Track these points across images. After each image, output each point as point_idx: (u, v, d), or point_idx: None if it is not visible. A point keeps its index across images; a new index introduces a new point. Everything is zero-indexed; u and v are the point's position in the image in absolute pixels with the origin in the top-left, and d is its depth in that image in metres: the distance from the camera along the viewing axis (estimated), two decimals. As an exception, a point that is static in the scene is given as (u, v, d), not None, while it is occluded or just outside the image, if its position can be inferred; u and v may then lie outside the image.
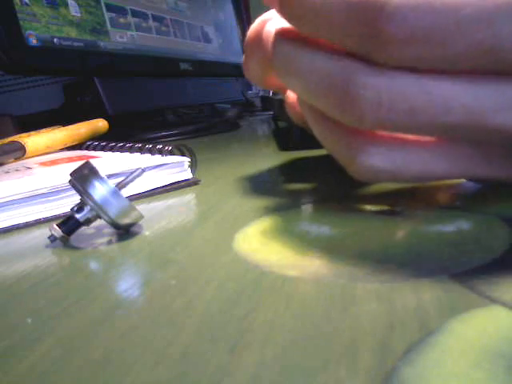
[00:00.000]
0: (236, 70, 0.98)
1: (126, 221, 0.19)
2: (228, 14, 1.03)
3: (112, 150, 0.36)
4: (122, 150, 0.35)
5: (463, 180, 0.22)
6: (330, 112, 0.15)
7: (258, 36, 0.19)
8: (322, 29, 0.14)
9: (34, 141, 0.36)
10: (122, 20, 0.63)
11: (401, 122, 0.14)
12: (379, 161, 0.15)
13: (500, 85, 0.13)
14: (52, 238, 0.19)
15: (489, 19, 0.12)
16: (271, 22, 0.19)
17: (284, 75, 0.16)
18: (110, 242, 0.19)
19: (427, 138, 0.15)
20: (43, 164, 0.31)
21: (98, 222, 0.20)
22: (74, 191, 0.19)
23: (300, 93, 0.16)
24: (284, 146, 0.43)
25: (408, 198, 0.21)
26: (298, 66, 0.15)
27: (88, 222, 0.19)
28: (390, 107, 0.13)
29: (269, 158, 0.37)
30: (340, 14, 0.13)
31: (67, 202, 0.24)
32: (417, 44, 0.13)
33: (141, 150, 0.33)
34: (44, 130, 0.42)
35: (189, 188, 0.29)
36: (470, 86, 0.13)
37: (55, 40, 0.51)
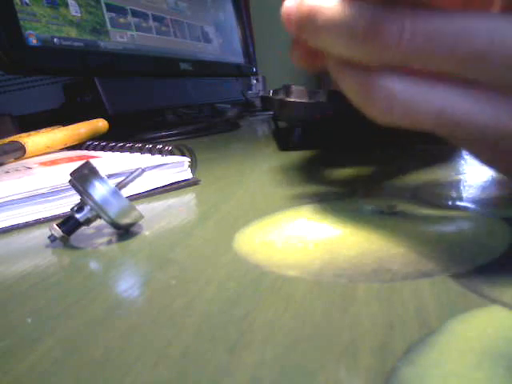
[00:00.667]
0: (236, 70, 0.98)
1: (126, 221, 0.19)
2: (228, 13, 1.03)
3: (112, 149, 0.36)
4: (122, 150, 0.35)
5: (464, 179, 0.21)
6: (350, 51, 0.14)
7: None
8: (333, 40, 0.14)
9: (34, 141, 0.36)
10: (122, 20, 0.63)
11: (425, 50, 0.13)
12: (398, 85, 0.14)
13: None
14: (52, 238, 0.19)
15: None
16: None
17: (313, 32, 0.16)
18: (109, 242, 0.19)
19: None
20: (43, 164, 0.31)
21: (98, 222, 0.20)
22: (74, 191, 0.19)
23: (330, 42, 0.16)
24: (284, 146, 0.43)
25: (408, 198, 0.21)
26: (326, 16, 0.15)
27: (88, 221, 0.19)
28: (413, 31, 0.13)
29: (269, 158, 0.37)
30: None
31: (67, 202, 0.24)
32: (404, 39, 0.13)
33: (141, 150, 0.33)
34: (44, 129, 0.42)
35: (189, 188, 0.29)
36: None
37: (55, 40, 0.51)
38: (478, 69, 0.13)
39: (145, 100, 0.67)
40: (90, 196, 0.18)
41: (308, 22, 0.15)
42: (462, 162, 0.28)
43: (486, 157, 0.16)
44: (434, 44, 0.13)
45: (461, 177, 0.24)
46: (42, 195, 0.24)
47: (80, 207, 0.19)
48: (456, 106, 0.14)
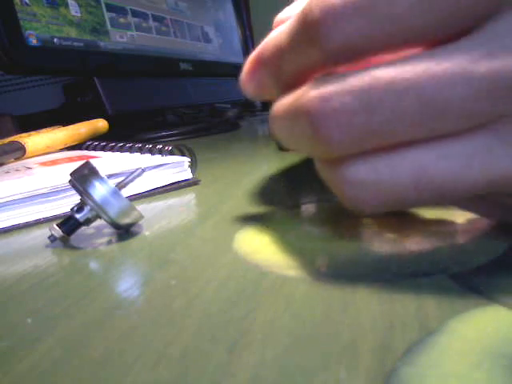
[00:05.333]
0: (236, 70, 0.98)
1: (126, 221, 0.19)
2: (228, 14, 1.03)
3: (112, 150, 0.36)
4: (122, 150, 0.35)
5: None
6: (309, 151, 0.14)
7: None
8: (282, 61, 0.14)
9: (34, 141, 0.36)
10: (122, 20, 0.63)
11: (366, 120, 0.12)
12: (361, 172, 0.13)
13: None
14: (52, 238, 0.19)
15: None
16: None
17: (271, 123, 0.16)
18: (109, 242, 0.19)
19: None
20: (43, 164, 0.31)
21: (98, 222, 0.20)
22: (74, 191, 0.19)
23: (287, 144, 0.16)
24: (284, 146, 0.42)
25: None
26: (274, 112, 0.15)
27: (88, 222, 0.19)
28: (346, 108, 0.12)
29: (269, 158, 0.37)
30: (290, 39, 0.13)
31: (67, 202, 0.24)
32: (343, 19, 0.12)
33: (141, 150, 0.33)
34: (44, 129, 0.42)
35: (189, 188, 0.29)
36: None
37: (55, 40, 0.51)
38: (434, 121, 0.12)
39: (145, 100, 0.67)
40: (89, 196, 0.18)
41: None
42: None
43: (497, 211, 0.15)
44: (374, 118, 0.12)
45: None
46: (42, 195, 0.24)
47: (80, 207, 0.19)
48: (431, 167, 0.12)
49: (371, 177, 0.13)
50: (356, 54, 0.12)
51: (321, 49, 0.12)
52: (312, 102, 0.12)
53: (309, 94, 0.13)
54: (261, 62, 0.16)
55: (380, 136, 0.12)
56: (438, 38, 0.12)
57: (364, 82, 0.12)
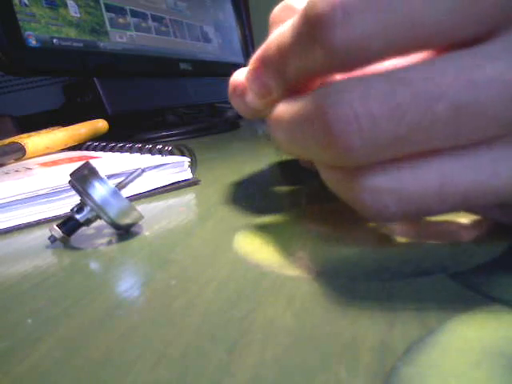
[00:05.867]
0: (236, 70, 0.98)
1: (126, 221, 0.19)
2: (228, 13, 1.03)
3: (112, 150, 0.36)
4: (121, 150, 0.35)
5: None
6: (320, 158, 0.13)
7: None
8: (288, 62, 0.14)
9: (34, 141, 0.36)
10: (121, 20, 0.63)
11: (391, 128, 0.11)
12: (383, 180, 0.12)
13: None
14: (52, 239, 0.19)
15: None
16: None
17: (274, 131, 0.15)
18: (110, 243, 0.19)
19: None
20: (43, 165, 0.31)
21: (98, 223, 0.20)
22: (74, 192, 0.19)
23: (290, 149, 0.15)
24: (284, 151, 0.42)
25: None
26: (280, 119, 0.14)
27: (88, 222, 0.19)
28: (371, 114, 0.11)
29: (269, 158, 0.37)
30: (293, 39, 0.13)
31: (67, 202, 0.24)
32: (353, 15, 0.11)
33: (141, 150, 0.33)
34: (44, 130, 0.42)
35: (189, 188, 0.29)
36: None
37: (55, 40, 0.51)
38: (465, 126, 0.11)
39: (145, 100, 0.67)
40: (89, 196, 0.18)
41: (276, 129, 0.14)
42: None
43: None
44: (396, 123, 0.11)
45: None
46: (42, 196, 0.24)
47: (80, 208, 0.19)
48: (456, 176, 0.12)
49: (393, 185, 0.12)
50: (366, 56, 0.11)
51: (324, 48, 0.11)
52: (331, 107, 0.11)
53: (326, 97, 0.12)
54: (264, 63, 0.15)
55: (406, 145, 0.11)
56: (455, 40, 0.11)
57: (390, 85, 0.11)
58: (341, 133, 0.11)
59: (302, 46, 0.12)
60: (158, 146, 0.31)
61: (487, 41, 0.11)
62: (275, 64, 0.14)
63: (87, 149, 0.39)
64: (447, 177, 0.12)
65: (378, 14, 0.11)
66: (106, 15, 0.60)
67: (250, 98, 0.17)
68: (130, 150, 0.34)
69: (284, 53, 0.14)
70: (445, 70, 0.11)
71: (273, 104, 0.15)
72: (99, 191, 0.18)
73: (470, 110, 0.11)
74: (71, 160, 0.32)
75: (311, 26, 0.12)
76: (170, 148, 0.30)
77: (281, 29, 0.14)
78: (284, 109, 0.14)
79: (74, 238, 0.20)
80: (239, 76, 0.18)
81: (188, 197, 0.27)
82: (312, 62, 0.12)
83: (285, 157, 0.36)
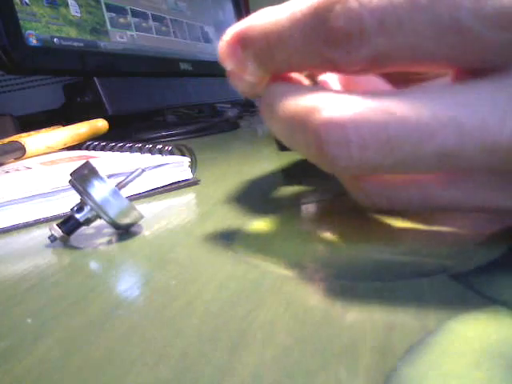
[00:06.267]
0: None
1: (125, 221, 0.19)
2: (228, 14, 1.03)
3: (112, 150, 0.36)
4: (121, 150, 0.35)
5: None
6: (305, 155, 0.14)
7: None
8: (290, 56, 0.14)
9: (34, 141, 0.36)
10: (121, 20, 0.63)
11: (379, 158, 0.12)
12: (370, 187, 0.14)
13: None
14: (52, 238, 0.19)
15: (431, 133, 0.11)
16: None
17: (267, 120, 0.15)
18: (109, 242, 0.19)
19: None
20: (43, 164, 0.31)
21: (98, 222, 0.20)
22: (74, 191, 0.19)
23: (283, 140, 0.15)
24: (284, 146, 0.42)
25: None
26: (274, 111, 0.14)
27: (88, 221, 0.19)
28: (362, 143, 0.11)
29: (269, 158, 0.37)
30: (298, 32, 0.13)
31: (67, 201, 0.24)
32: (370, 37, 0.11)
33: (141, 150, 0.33)
34: (44, 129, 0.42)
35: (189, 188, 0.29)
36: (460, 90, 0.11)
37: (55, 40, 0.51)
38: (448, 165, 0.12)
39: (145, 100, 0.66)
40: (89, 196, 0.18)
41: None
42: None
43: None
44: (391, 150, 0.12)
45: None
46: (42, 195, 0.24)
47: (80, 207, 0.19)
48: (438, 194, 0.13)
49: (380, 192, 0.14)
50: (375, 65, 0.12)
51: (343, 55, 0.12)
52: (322, 127, 0.12)
53: (318, 113, 0.12)
54: (244, 43, 0.15)
55: (392, 171, 0.12)
56: (462, 66, 0.12)
57: (382, 116, 0.11)
58: (331, 152, 0.12)
59: (312, 46, 0.13)
60: (158, 146, 0.31)
61: (486, 77, 0.11)
62: (260, 47, 0.14)
63: (87, 148, 0.39)
64: (430, 195, 0.13)
65: (392, 36, 0.11)
66: (107, 15, 0.60)
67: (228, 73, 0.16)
68: (130, 150, 0.34)
69: (273, 43, 0.13)
70: (437, 107, 0.11)
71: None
72: (99, 191, 0.18)
73: (454, 155, 0.11)
74: (71, 159, 0.32)
75: (329, 35, 0.12)
76: (170, 148, 0.30)
77: (268, 16, 0.14)
78: (279, 102, 0.14)
79: (73, 237, 0.19)
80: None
81: (188, 197, 0.27)
82: (317, 59, 0.13)
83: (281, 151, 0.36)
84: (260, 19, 0.14)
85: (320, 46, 0.12)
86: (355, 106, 0.12)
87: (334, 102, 0.12)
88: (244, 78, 0.16)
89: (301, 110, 0.13)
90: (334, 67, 0.13)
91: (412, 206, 0.14)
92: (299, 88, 0.14)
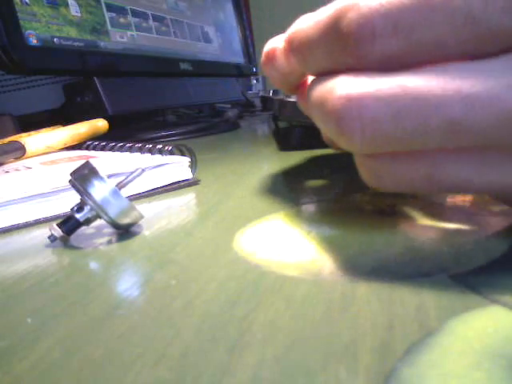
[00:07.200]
0: (236, 70, 0.98)
1: (126, 221, 0.19)
2: (228, 13, 1.03)
3: (112, 149, 0.36)
4: (121, 150, 0.35)
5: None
6: (331, 137, 0.14)
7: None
8: (319, 61, 0.15)
9: (34, 141, 0.36)
10: (122, 20, 0.63)
11: (390, 130, 0.12)
12: (380, 166, 0.14)
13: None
14: (52, 238, 0.19)
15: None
16: None
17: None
18: (109, 242, 0.19)
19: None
20: (43, 164, 0.31)
21: (98, 222, 0.20)
22: (74, 191, 0.19)
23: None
24: (284, 146, 0.43)
25: (408, 197, 0.21)
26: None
27: (88, 221, 0.19)
28: (374, 115, 0.12)
29: (269, 158, 0.37)
30: (318, 36, 0.14)
31: (67, 201, 0.24)
32: (383, 40, 0.12)
33: (141, 150, 0.33)
34: (44, 129, 0.42)
35: (189, 188, 0.29)
36: (469, 67, 0.12)
37: (55, 40, 0.51)
38: (456, 138, 0.12)
39: (145, 100, 0.66)
40: (89, 196, 0.18)
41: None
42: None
43: None
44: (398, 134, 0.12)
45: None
46: (42, 195, 0.24)
47: (80, 207, 0.19)
48: (443, 171, 0.13)
49: (389, 170, 0.14)
50: (390, 66, 0.13)
51: (356, 59, 0.13)
52: (338, 102, 0.13)
53: (336, 92, 0.13)
54: (290, 48, 0.16)
55: (403, 145, 0.13)
56: (469, 54, 0.12)
57: (393, 90, 0.12)
58: (346, 127, 0.13)
59: (330, 48, 0.14)
60: (158, 146, 0.31)
61: (496, 57, 0.12)
62: (300, 52, 0.15)
63: (87, 148, 0.39)
64: (436, 170, 0.13)
65: (403, 40, 0.12)
66: (107, 15, 0.60)
67: (279, 63, 0.18)
68: (130, 150, 0.34)
69: (309, 45, 0.14)
70: (446, 81, 0.12)
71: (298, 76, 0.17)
72: (99, 191, 0.18)
73: (461, 127, 0.12)
74: (71, 159, 0.32)
75: (343, 39, 0.13)
76: (170, 148, 0.30)
77: (307, 21, 0.15)
78: (312, 88, 0.15)
79: (73, 237, 0.19)
80: (273, 44, 0.19)
81: (188, 197, 0.27)
82: (337, 61, 0.14)
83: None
84: (304, 23, 0.15)
85: (338, 53, 0.13)
86: (369, 81, 0.12)
87: (350, 80, 0.13)
88: (285, 74, 0.18)
89: (323, 91, 0.14)
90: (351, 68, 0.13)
91: (419, 185, 0.14)
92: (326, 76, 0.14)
